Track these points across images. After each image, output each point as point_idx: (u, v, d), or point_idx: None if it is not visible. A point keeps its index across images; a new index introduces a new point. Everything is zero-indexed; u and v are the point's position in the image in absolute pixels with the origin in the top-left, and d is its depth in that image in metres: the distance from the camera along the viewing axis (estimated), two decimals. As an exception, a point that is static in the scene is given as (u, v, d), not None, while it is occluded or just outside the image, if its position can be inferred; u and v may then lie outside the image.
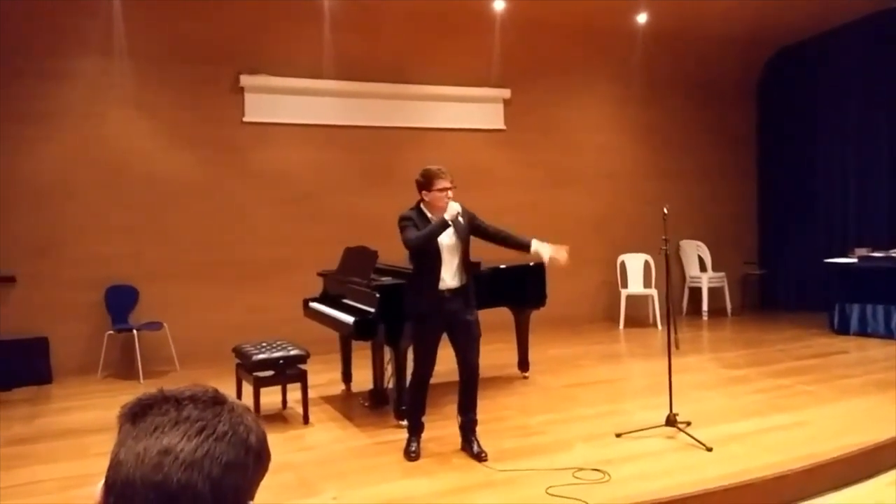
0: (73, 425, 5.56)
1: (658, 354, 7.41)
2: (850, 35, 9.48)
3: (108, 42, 7.40)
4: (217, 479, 0.91)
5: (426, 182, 4.55)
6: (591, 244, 9.72)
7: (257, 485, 0.98)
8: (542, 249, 4.66)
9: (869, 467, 4.40)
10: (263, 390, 5.32)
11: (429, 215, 4.56)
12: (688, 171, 10.27)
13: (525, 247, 4.71)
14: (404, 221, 4.55)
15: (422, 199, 4.62)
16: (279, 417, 5.62)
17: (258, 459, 0.98)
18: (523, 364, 6.77)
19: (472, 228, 4.67)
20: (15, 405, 6.25)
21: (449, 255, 4.54)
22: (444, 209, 4.46)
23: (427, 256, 4.52)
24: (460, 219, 4.51)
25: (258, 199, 8.16)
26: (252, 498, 0.97)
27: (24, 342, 6.99)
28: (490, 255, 5.90)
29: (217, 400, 0.99)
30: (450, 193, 4.52)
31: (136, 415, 0.96)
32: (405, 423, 4.84)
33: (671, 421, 4.87)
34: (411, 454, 4.58)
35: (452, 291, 4.55)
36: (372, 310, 5.28)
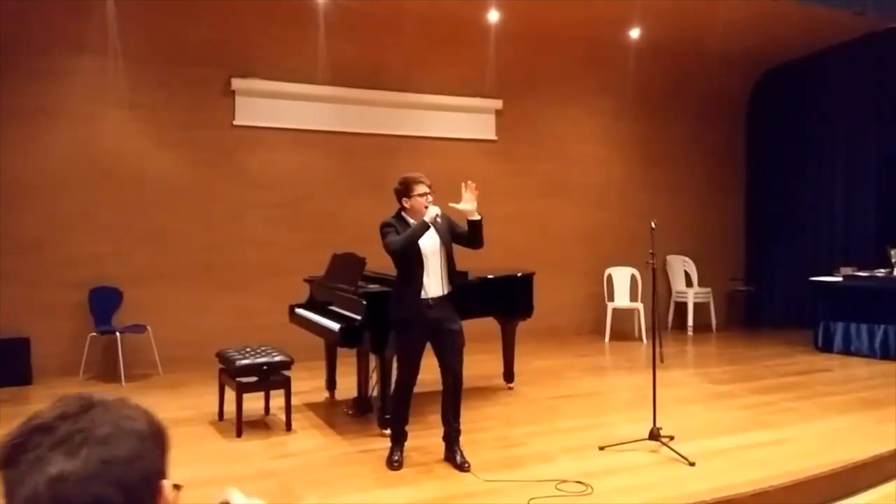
0: (53, 427, 5.50)
1: (643, 368, 7.41)
2: (840, 56, 9.55)
3: (102, 42, 7.35)
4: (120, 479, 0.88)
5: (405, 189, 4.58)
6: (578, 256, 9.76)
7: (165, 462, 0.96)
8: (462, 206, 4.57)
9: (851, 485, 4.42)
10: (246, 396, 5.28)
11: (410, 221, 4.57)
12: (676, 186, 10.31)
13: (470, 225, 4.62)
14: (386, 228, 4.57)
15: (402, 208, 4.64)
16: (262, 424, 5.58)
17: (154, 440, 0.95)
18: (508, 375, 6.76)
19: (452, 235, 4.68)
20: (-6, 405, 6.18)
21: (432, 261, 4.55)
22: (425, 214, 4.49)
23: (410, 262, 4.52)
24: (439, 220, 4.52)
25: (246, 203, 8.12)
26: (165, 476, 0.95)
27: (4, 342, 6.92)
28: (478, 265, 5.91)
29: (86, 406, 0.95)
30: (429, 198, 4.54)
31: (10, 458, 0.90)
32: (388, 431, 4.83)
33: (654, 435, 4.88)
34: (394, 463, 4.56)
35: (436, 300, 4.55)
36: (358, 317, 5.26)
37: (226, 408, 5.61)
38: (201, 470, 4.26)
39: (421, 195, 4.54)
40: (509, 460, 4.70)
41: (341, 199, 8.49)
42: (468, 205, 4.54)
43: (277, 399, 5.59)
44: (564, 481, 4.22)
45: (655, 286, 5.31)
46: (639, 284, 9.44)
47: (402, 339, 4.63)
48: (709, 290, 10.27)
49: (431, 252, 4.55)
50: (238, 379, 5.27)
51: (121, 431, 0.92)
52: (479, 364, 6.82)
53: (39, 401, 5.72)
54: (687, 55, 9.72)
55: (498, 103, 9.36)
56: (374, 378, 5.67)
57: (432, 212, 4.47)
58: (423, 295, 4.52)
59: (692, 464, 4.50)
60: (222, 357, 5.55)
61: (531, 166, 9.59)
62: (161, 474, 0.94)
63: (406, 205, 4.61)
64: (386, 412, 5.11)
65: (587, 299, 9.89)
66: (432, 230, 4.51)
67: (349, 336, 5.23)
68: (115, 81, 7.51)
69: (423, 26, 8.47)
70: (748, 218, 11.13)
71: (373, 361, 5.64)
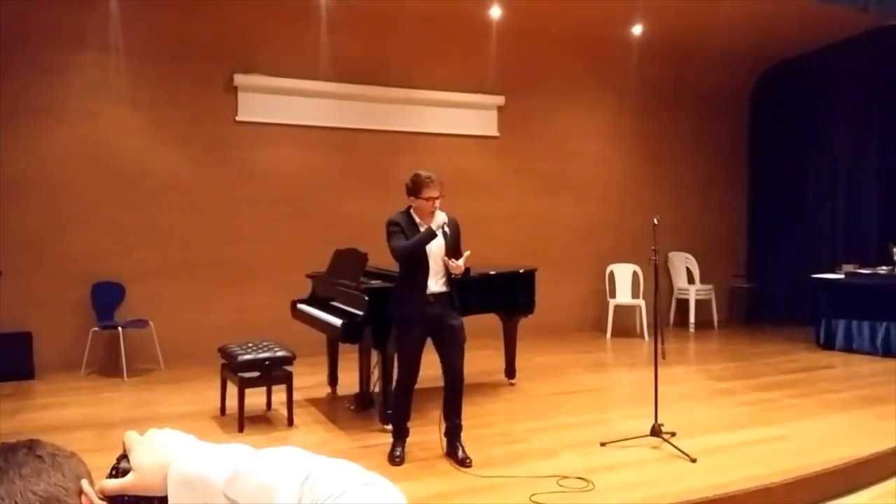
0: (55, 422, 5.52)
1: (644, 364, 7.42)
2: (842, 52, 9.54)
3: (104, 38, 7.37)
4: None
5: (414, 188, 4.55)
6: (580, 253, 9.76)
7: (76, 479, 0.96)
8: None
9: (852, 481, 4.42)
10: (248, 391, 5.29)
11: (417, 220, 4.56)
12: (678, 183, 10.31)
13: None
14: (392, 227, 4.55)
15: (411, 204, 4.62)
16: (263, 419, 5.59)
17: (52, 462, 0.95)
18: (510, 371, 6.76)
19: (455, 241, 4.66)
20: (-3, 400, 6.19)
21: (436, 262, 4.55)
22: (431, 217, 4.47)
23: (414, 262, 4.52)
24: (446, 229, 4.50)
25: (249, 199, 8.13)
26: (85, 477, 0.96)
27: (7, 336, 6.93)
28: (480, 262, 5.89)
29: None
30: (437, 203, 4.51)
31: None
32: (390, 427, 4.83)
33: (656, 431, 4.87)
34: (396, 459, 4.57)
35: (437, 296, 4.55)
36: (360, 313, 5.26)
37: (228, 403, 5.62)
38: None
39: (427, 199, 4.51)
40: (511, 456, 4.70)
41: (344, 195, 8.49)
42: (458, 269, 4.54)
43: (279, 394, 5.59)
44: (566, 477, 4.22)
45: (657, 283, 5.31)
46: (640, 281, 9.43)
47: (404, 335, 4.62)
48: (711, 286, 10.27)
49: (436, 251, 4.55)
50: (240, 374, 5.28)
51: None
52: (481, 360, 6.83)
53: (42, 396, 5.79)
54: (689, 52, 9.71)
55: (500, 100, 9.36)
56: (375, 373, 5.67)
57: (440, 219, 4.46)
58: (426, 292, 4.53)
59: (693, 460, 4.50)
60: (224, 352, 5.56)
61: (533, 163, 9.59)
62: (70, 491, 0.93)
63: (413, 204, 4.60)
64: (387, 408, 5.11)
65: (589, 296, 9.89)
66: (439, 233, 4.50)
67: (351, 332, 5.23)
68: (117, 78, 7.52)
69: (426, 22, 8.47)
70: (750, 214, 11.13)
71: (374, 357, 5.64)
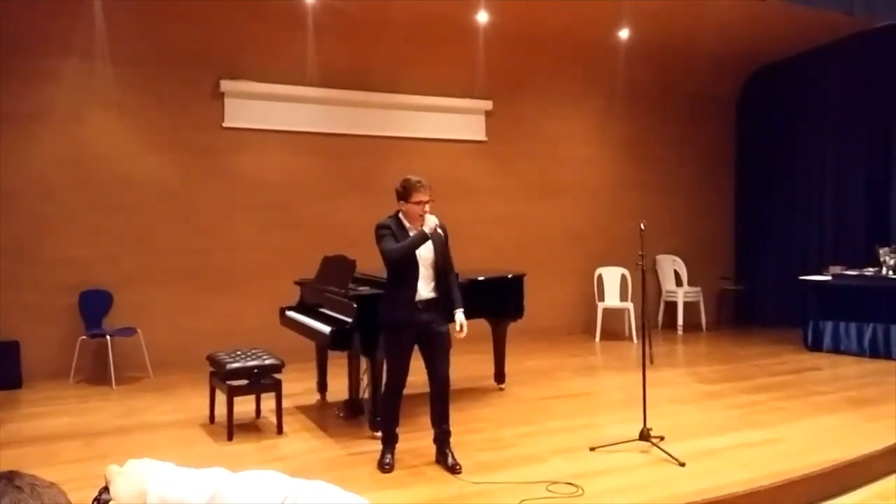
0: (43, 431, 5.47)
1: (633, 368, 7.43)
2: (828, 55, 9.59)
3: (89, 44, 7.33)
4: None
5: (405, 192, 4.55)
6: (569, 257, 9.78)
7: None
8: (459, 319, 4.72)
9: (841, 484, 4.44)
10: (237, 399, 5.26)
11: (407, 225, 4.56)
12: (666, 186, 10.35)
13: (452, 305, 4.71)
14: (382, 230, 4.54)
15: (400, 209, 4.62)
16: (253, 427, 5.57)
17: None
18: (499, 376, 6.76)
19: (445, 247, 4.68)
20: (-17, 410, 6.15)
21: (425, 268, 4.55)
22: (420, 221, 4.47)
23: (405, 267, 4.51)
24: (439, 231, 4.52)
25: (236, 206, 8.11)
26: None
27: (-6, 346, 6.90)
28: (469, 267, 5.91)
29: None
30: (426, 207, 4.52)
31: None
32: (379, 434, 4.82)
33: (645, 435, 4.89)
34: (385, 466, 4.56)
35: (426, 302, 4.55)
36: (349, 319, 5.25)
37: (217, 411, 5.59)
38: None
39: (417, 203, 4.51)
40: (500, 462, 4.70)
41: (331, 200, 8.48)
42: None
43: (268, 402, 5.57)
44: (555, 482, 4.22)
45: (645, 287, 5.32)
46: (629, 284, 9.45)
47: (392, 341, 4.62)
48: (699, 289, 10.30)
49: (425, 259, 4.55)
50: (229, 382, 5.26)
51: None
52: (470, 365, 6.83)
53: (29, 405, 5.75)
54: (676, 56, 9.74)
55: (488, 104, 9.37)
56: (364, 380, 5.66)
57: (431, 222, 4.46)
58: (415, 298, 4.53)
59: (682, 464, 4.51)
60: (213, 360, 5.54)
61: (521, 167, 9.61)
62: None
63: (403, 208, 4.60)
64: (377, 415, 5.11)
65: (578, 299, 9.91)
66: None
67: (339, 339, 5.22)
68: (103, 84, 7.49)
69: (413, 27, 8.47)
70: (738, 217, 11.17)
71: (363, 363, 5.63)
